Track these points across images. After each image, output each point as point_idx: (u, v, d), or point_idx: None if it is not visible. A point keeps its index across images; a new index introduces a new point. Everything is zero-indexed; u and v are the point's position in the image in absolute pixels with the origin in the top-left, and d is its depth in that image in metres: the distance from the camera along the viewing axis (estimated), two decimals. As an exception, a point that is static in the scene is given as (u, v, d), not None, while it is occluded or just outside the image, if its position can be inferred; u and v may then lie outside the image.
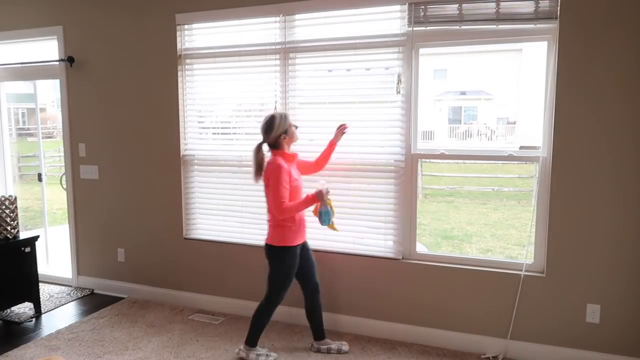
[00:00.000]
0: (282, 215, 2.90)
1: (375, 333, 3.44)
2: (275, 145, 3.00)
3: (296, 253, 3.03)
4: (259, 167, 2.98)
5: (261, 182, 3.01)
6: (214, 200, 3.87)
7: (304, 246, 3.13)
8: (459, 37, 3.10)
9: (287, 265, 3.00)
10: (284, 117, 2.99)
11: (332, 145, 3.23)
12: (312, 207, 3.06)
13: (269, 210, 3.00)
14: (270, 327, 3.53)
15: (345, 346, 3.23)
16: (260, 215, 3.68)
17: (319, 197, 2.95)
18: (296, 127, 3.08)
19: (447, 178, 11.03)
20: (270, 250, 3.01)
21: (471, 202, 9.76)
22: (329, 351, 3.21)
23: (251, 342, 3.08)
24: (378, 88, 3.32)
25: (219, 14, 3.61)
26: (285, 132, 2.98)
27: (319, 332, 3.23)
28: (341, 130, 3.22)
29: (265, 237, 3.06)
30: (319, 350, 3.22)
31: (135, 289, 4.22)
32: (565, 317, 3.00)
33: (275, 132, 2.96)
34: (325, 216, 3.01)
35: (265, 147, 3.02)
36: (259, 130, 3.03)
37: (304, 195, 2.99)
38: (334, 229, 3.12)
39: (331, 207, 3.03)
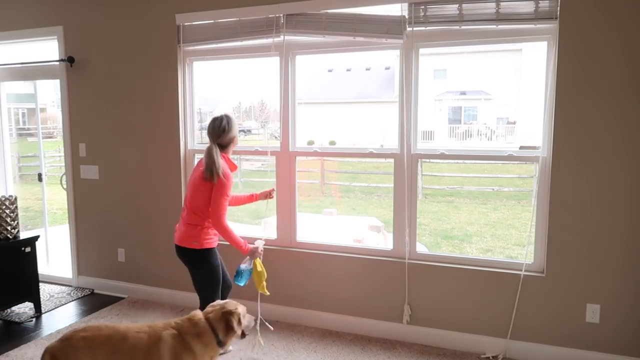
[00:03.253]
0: (216, 226, 2.79)
1: (375, 333, 3.45)
2: (223, 149, 2.87)
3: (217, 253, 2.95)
4: (215, 168, 2.74)
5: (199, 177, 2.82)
6: (214, 200, 3.86)
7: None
8: (459, 37, 3.10)
9: (215, 266, 2.88)
10: (233, 119, 2.88)
11: (251, 198, 3.17)
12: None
13: (197, 212, 2.82)
14: (270, 327, 3.52)
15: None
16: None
17: (250, 254, 2.94)
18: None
19: (447, 178, 11.03)
20: (191, 253, 2.84)
21: (471, 202, 9.76)
22: None
23: None
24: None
25: (219, 14, 3.61)
26: (234, 136, 2.89)
27: None
28: (268, 193, 3.18)
29: (177, 236, 2.89)
30: None
31: (135, 289, 4.22)
32: (565, 317, 3.00)
33: (232, 133, 2.85)
34: (241, 275, 2.92)
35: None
36: (207, 131, 2.87)
37: None
38: (264, 291, 2.99)
39: (256, 270, 2.93)
